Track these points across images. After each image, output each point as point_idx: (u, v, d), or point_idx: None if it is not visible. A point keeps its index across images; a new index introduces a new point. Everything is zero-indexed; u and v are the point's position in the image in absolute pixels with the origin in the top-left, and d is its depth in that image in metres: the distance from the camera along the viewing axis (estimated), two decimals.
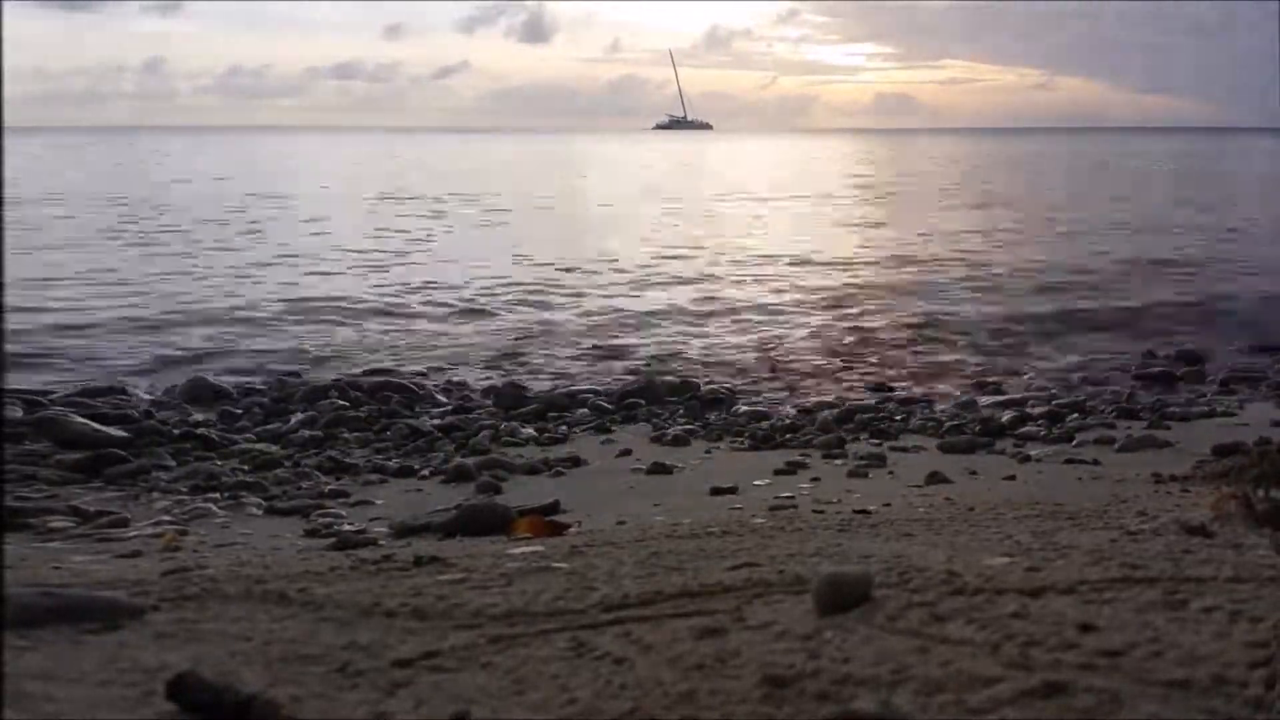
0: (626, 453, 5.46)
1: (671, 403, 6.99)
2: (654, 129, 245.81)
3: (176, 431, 5.78)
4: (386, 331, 9.75)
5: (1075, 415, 6.35)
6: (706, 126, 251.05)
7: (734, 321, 10.47)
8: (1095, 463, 4.84)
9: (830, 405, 6.81)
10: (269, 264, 13.99)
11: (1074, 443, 5.53)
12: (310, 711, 1.34)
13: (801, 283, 12.77)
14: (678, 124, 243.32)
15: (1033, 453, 5.24)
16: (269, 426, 6.17)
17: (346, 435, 5.91)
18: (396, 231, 18.41)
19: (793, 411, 6.70)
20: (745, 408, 6.86)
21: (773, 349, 9.07)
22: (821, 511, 3.28)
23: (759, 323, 10.35)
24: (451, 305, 11.05)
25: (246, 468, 5.10)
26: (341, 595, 1.94)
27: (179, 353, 8.54)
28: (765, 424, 6.21)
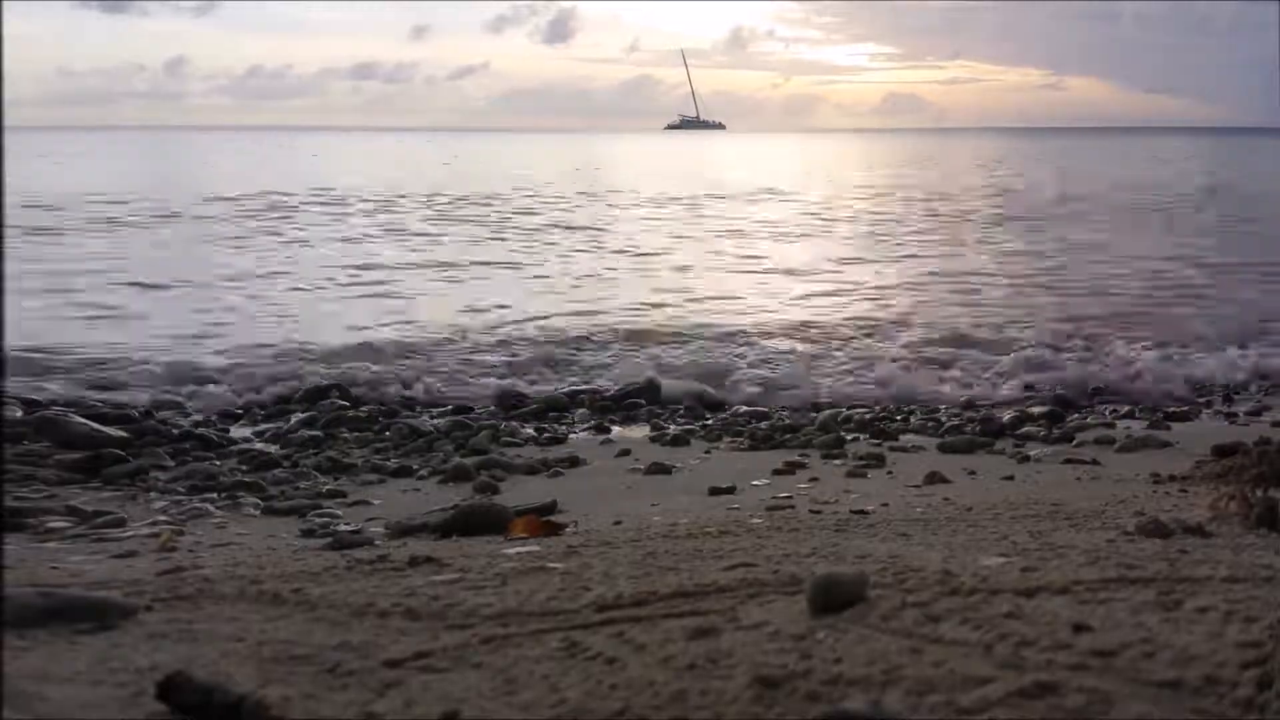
0: (625, 453, 5.46)
1: (672, 403, 6.98)
2: (665, 129, 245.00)
3: (175, 431, 5.78)
4: None
5: (1075, 415, 6.34)
6: (719, 126, 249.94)
7: None
8: (1094, 463, 4.83)
9: (830, 405, 6.81)
10: None
11: (1074, 443, 5.52)
12: (300, 712, 1.34)
13: None
14: (690, 124, 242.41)
15: (1032, 453, 5.23)
16: (269, 426, 6.18)
17: (346, 435, 5.91)
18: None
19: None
20: (745, 408, 6.86)
21: None
22: (819, 512, 3.27)
23: None
24: None
25: (245, 468, 5.10)
26: (335, 595, 1.94)
27: None
28: (765, 424, 6.20)
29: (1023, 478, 4.48)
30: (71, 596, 1.85)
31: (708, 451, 5.55)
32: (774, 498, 3.99)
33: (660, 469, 4.96)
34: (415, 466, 5.19)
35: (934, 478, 4.35)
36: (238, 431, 6.08)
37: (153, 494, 4.59)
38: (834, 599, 1.66)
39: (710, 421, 6.42)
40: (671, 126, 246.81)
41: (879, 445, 5.53)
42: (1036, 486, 4.08)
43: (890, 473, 4.77)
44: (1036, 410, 6.43)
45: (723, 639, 1.55)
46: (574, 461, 5.26)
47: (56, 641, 1.67)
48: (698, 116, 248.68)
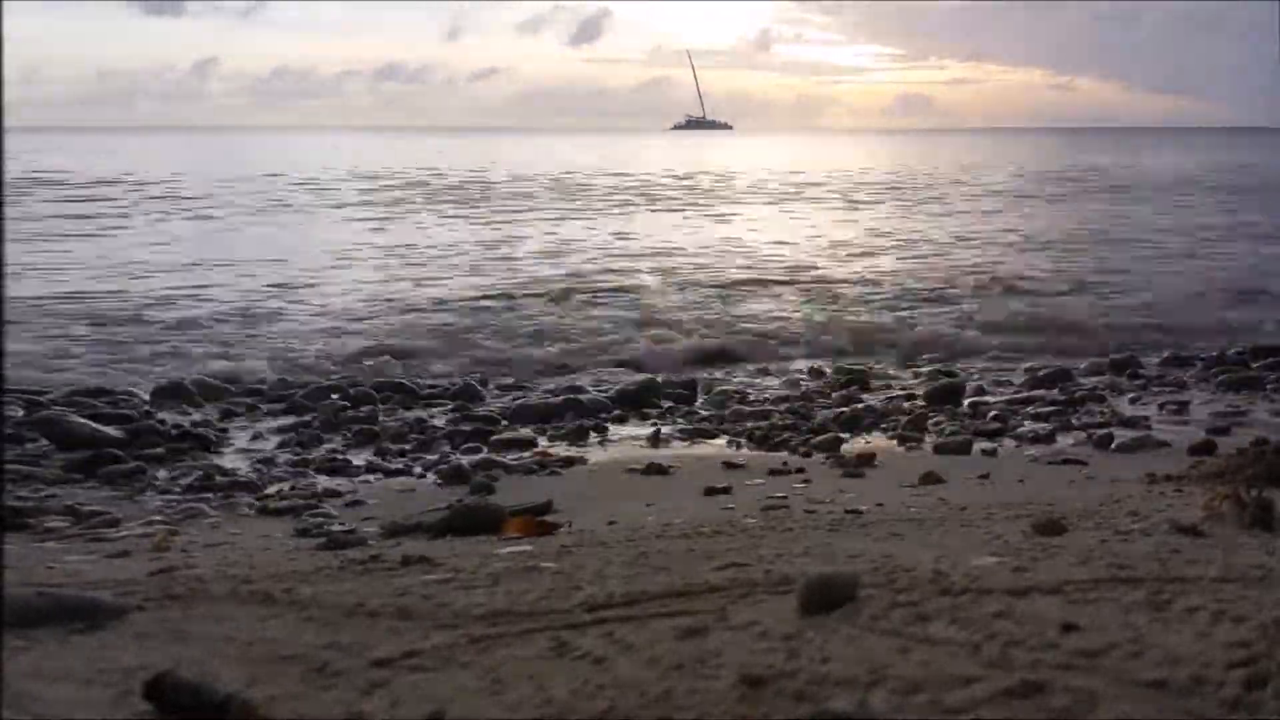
0: (623, 453, 5.46)
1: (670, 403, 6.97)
2: (671, 129, 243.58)
3: (174, 431, 5.77)
4: None
5: (1073, 415, 6.33)
6: (726, 127, 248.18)
7: None
8: (1090, 463, 4.83)
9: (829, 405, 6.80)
10: None
11: (1071, 442, 5.52)
12: (287, 711, 1.34)
13: None
14: (696, 124, 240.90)
15: (1029, 452, 5.22)
16: (268, 425, 6.17)
17: (345, 434, 5.91)
18: None
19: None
20: (747, 409, 6.84)
21: None
22: (813, 511, 3.27)
23: None
24: None
25: (241, 467, 5.10)
26: (326, 595, 1.94)
27: None
28: (764, 424, 6.19)
29: (1018, 477, 4.47)
30: (66, 597, 1.86)
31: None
32: (769, 497, 3.98)
33: (657, 469, 4.95)
34: (412, 466, 5.19)
35: (929, 478, 4.35)
36: (236, 431, 6.08)
37: (149, 494, 4.60)
38: (824, 599, 1.66)
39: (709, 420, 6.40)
40: (677, 127, 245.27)
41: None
42: (1032, 486, 4.08)
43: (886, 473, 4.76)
44: (1035, 410, 6.41)
45: (711, 639, 1.55)
46: (571, 461, 5.26)
47: (51, 641, 1.68)
48: (704, 116, 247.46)
